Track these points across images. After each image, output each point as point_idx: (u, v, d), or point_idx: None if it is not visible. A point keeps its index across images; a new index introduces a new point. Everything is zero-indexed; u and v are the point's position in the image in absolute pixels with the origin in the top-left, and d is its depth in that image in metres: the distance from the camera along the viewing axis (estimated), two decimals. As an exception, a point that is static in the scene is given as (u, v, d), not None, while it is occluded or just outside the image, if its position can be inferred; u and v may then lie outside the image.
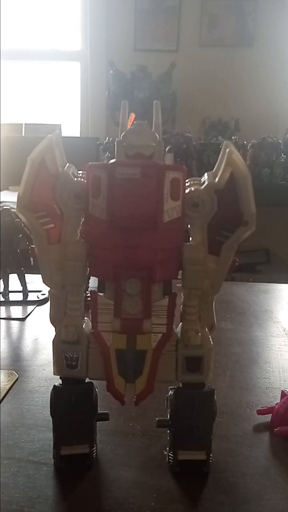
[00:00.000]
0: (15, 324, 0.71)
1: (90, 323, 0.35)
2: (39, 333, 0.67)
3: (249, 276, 2.22)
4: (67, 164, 0.35)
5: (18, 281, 0.79)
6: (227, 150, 0.33)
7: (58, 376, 0.37)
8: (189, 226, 0.35)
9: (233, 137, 2.20)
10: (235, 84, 2.51)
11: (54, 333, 0.36)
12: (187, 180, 0.35)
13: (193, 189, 0.33)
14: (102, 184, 0.31)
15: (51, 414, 0.38)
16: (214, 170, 0.34)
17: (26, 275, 0.79)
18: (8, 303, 0.77)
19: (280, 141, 2.10)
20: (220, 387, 0.54)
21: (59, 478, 0.38)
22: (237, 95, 2.51)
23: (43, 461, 0.40)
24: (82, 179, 0.34)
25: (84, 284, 0.35)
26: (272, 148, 2.11)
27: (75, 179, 0.34)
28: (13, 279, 0.79)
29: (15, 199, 0.34)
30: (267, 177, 2.10)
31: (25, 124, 2.38)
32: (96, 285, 0.35)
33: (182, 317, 0.35)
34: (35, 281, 0.82)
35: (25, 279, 0.79)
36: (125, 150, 0.34)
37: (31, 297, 0.79)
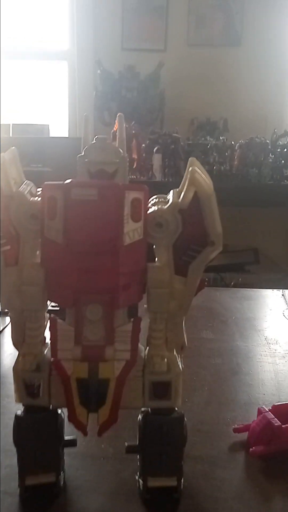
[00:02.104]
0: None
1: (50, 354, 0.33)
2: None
3: (237, 276, 2.22)
4: (25, 182, 0.33)
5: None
6: (190, 169, 0.31)
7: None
8: (154, 246, 0.33)
9: (221, 137, 2.19)
10: (223, 84, 2.50)
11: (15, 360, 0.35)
12: (153, 198, 0.34)
13: (156, 208, 0.32)
14: (58, 205, 0.30)
15: (14, 443, 0.36)
16: (179, 188, 0.33)
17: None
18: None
19: (268, 141, 2.09)
20: (197, 402, 0.53)
21: (24, 509, 0.37)
22: (225, 95, 2.49)
23: (8, 491, 0.38)
24: (39, 198, 0.32)
25: (43, 309, 0.33)
26: (260, 148, 2.10)
27: (31, 198, 0.32)
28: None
29: None
30: (255, 177, 2.09)
31: (13, 124, 2.34)
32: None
33: (148, 342, 0.34)
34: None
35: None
36: (88, 166, 0.33)
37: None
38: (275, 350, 0.67)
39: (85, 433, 0.33)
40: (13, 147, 0.33)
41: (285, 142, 2.14)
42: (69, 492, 0.38)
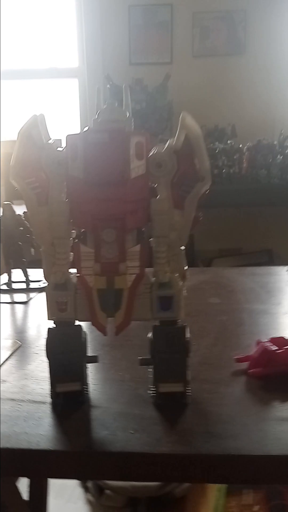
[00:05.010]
0: (19, 307, 0.77)
1: (76, 272, 0.41)
2: (40, 313, 0.73)
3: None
4: (51, 139, 0.42)
5: (21, 272, 0.86)
6: (181, 115, 0.39)
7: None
8: (156, 185, 0.41)
9: (228, 141, 2.27)
10: (229, 91, 2.59)
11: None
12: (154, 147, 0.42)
13: (155, 151, 0.40)
14: (78, 149, 0.38)
15: (47, 355, 0.44)
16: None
17: (27, 268, 0.86)
18: (12, 291, 0.84)
19: (275, 142, 2.17)
20: (205, 345, 0.59)
21: (55, 411, 0.44)
22: (232, 102, 2.58)
23: (42, 401, 0.46)
24: (63, 149, 0.41)
25: (68, 237, 0.41)
26: (268, 149, 2.17)
27: (58, 149, 0.41)
28: (16, 272, 0.86)
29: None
30: (264, 178, 2.15)
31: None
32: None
33: (153, 262, 0.42)
34: (35, 274, 0.88)
35: (26, 270, 0.86)
36: (100, 125, 0.41)
37: (33, 286, 0.86)
38: (278, 309, 0.73)
39: (105, 333, 0.40)
40: (42, 113, 0.42)
41: (293, 143, 2.21)
42: (93, 401, 0.46)
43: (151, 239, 0.42)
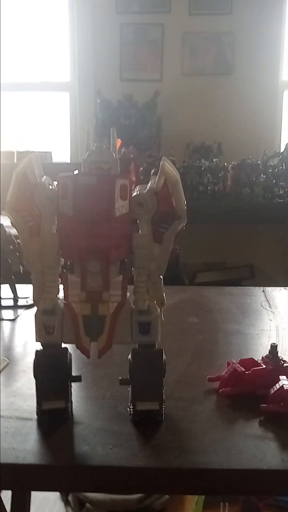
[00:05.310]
0: (6, 324, 0.80)
1: (63, 299, 0.45)
2: (28, 330, 0.77)
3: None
4: (44, 176, 0.46)
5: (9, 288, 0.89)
6: (161, 162, 0.44)
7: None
8: (138, 221, 0.45)
9: (214, 160, 2.33)
10: (216, 110, 2.67)
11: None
12: (137, 186, 0.46)
13: (138, 192, 0.44)
14: (69, 188, 0.42)
15: (34, 375, 0.47)
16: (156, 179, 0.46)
17: (16, 284, 0.89)
18: (0, 307, 0.87)
19: (259, 162, 2.24)
20: (181, 363, 0.64)
21: (41, 427, 0.48)
22: (218, 120, 2.66)
23: (28, 418, 0.49)
24: (55, 187, 0.45)
25: (58, 267, 0.45)
26: (251, 168, 2.24)
27: (50, 187, 0.45)
28: (5, 288, 0.89)
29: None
30: (247, 196, 2.21)
31: (17, 152, 2.51)
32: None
33: (134, 291, 0.46)
34: (23, 290, 0.91)
35: (15, 287, 0.89)
36: (90, 165, 0.45)
37: (21, 302, 0.89)
38: (251, 331, 0.78)
39: (88, 356, 0.44)
40: (36, 152, 0.46)
41: (276, 163, 2.29)
42: (76, 417, 0.49)
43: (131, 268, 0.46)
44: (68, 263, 0.45)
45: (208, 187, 2.19)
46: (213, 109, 2.67)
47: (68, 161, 2.66)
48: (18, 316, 0.83)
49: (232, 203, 2.20)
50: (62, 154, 2.66)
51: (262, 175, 2.23)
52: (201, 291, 1.03)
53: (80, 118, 2.65)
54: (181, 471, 0.42)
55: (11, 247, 0.85)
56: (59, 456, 0.43)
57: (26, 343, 0.71)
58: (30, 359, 0.64)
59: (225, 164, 2.23)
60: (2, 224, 0.86)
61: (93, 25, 2.60)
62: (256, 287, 1.06)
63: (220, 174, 2.22)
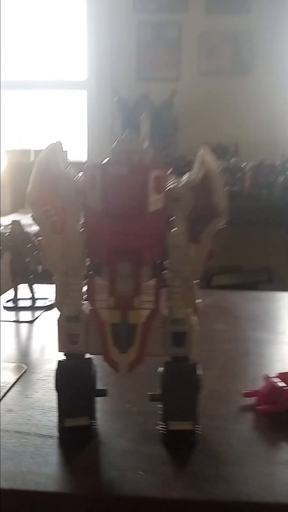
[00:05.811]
0: (24, 326, 0.76)
1: (89, 304, 0.40)
2: (46, 333, 0.72)
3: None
4: (69, 166, 0.41)
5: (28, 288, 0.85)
6: (201, 153, 0.39)
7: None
8: (173, 218, 0.40)
9: (231, 160, 2.28)
10: (233, 110, 2.61)
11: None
12: (172, 179, 0.41)
13: (174, 185, 0.39)
14: (97, 180, 0.37)
15: (55, 387, 0.42)
16: (193, 170, 0.40)
17: (34, 284, 0.85)
18: (18, 308, 0.82)
19: (277, 163, 2.18)
20: (211, 376, 0.58)
21: (63, 447, 0.43)
22: (235, 121, 2.60)
23: (48, 435, 0.44)
24: (81, 178, 0.40)
25: (83, 268, 0.40)
26: (270, 170, 2.19)
27: (75, 178, 0.40)
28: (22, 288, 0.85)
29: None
30: (266, 197, 2.16)
31: (34, 150, 2.48)
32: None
33: (168, 297, 0.41)
34: (41, 290, 0.87)
35: (33, 287, 0.85)
36: (118, 154, 0.40)
37: (39, 303, 0.85)
38: (284, 339, 0.72)
39: (117, 370, 0.39)
40: (59, 140, 0.41)
41: (295, 165, 2.23)
42: (100, 436, 0.44)
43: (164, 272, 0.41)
44: (95, 264, 0.40)
45: (226, 188, 2.13)
46: (230, 109, 2.61)
47: (85, 159, 2.62)
48: (36, 318, 0.79)
49: (250, 204, 2.14)
50: (78, 152, 2.63)
51: (280, 177, 2.17)
52: (224, 295, 0.98)
53: (97, 116, 2.62)
54: (223, 505, 0.36)
55: (29, 245, 0.81)
56: (84, 483, 0.38)
57: (44, 348, 0.66)
58: (49, 366, 0.60)
59: (243, 165, 2.17)
60: (19, 221, 0.81)
61: (110, 23, 2.56)
62: (283, 292, 1.00)
63: (237, 175, 2.17)
